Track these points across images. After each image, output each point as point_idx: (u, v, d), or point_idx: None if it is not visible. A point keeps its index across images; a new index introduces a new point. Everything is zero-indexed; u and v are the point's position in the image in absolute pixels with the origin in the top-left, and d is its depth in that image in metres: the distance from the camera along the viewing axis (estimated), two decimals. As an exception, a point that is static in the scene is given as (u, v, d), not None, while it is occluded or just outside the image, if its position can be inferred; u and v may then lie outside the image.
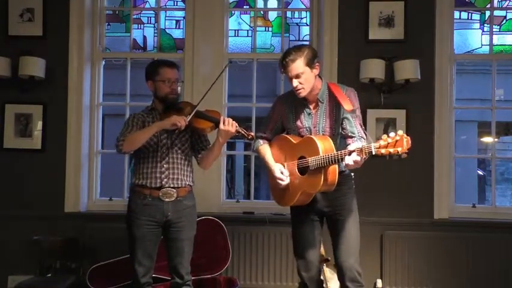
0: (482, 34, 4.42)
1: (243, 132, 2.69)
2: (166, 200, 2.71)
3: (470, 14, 4.82)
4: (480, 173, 8.84)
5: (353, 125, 2.53)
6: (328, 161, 2.35)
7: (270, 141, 2.77)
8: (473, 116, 7.81)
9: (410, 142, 2.13)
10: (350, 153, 2.27)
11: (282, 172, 2.58)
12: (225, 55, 4.16)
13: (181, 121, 2.63)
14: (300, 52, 2.48)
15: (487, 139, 8.27)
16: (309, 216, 2.66)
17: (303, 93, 2.53)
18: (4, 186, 4.01)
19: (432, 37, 3.93)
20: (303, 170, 2.51)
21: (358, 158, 2.24)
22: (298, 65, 2.47)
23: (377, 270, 3.83)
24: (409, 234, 3.84)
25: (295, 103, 2.64)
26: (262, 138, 2.77)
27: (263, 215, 3.93)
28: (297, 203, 2.57)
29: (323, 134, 2.56)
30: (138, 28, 4.84)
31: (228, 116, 2.74)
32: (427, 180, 3.89)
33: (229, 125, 2.65)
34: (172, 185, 2.72)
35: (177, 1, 4.68)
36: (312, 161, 2.42)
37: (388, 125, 3.86)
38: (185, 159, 2.80)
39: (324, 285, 3.22)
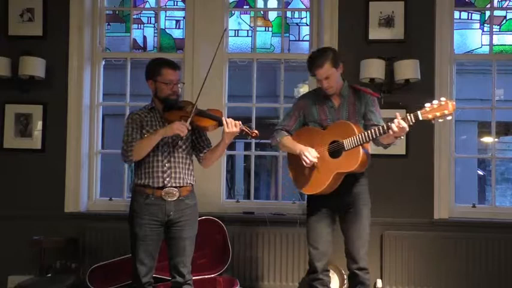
0: (482, 34, 4.42)
1: (246, 131, 2.72)
2: (169, 199, 2.71)
3: (470, 14, 4.82)
4: (480, 173, 8.84)
5: (377, 116, 2.79)
6: (371, 135, 2.57)
7: (290, 134, 2.94)
8: (473, 116, 7.80)
9: (455, 105, 2.39)
10: (388, 128, 2.49)
11: (311, 153, 2.73)
12: (225, 55, 4.16)
13: (184, 129, 2.63)
14: (325, 56, 2.76)
15: (487, 139, 8.27)
16: (324, 209, 2.86)
17: (332, 91, 2.81)
18: (4, 186, 4.01)
19: (432, 37, 3.93)
20: (335, 153, 2.70)
21: (405, 124, 2.45)
22: (327, 68, 2.73)
23: (377, 270, 3.82)
24: (409, 234, 3.84)
25: (318, 99, 2.89)
26: (284, 130, 2.95)
27: (263, 215, 3.93)
28: (328, 187, 2.72)
29: None
30: (138, 28, 4.84)
31: (228, 116, 2.75)
32: (427, 180, 3.88)
33: (233, 126, 2.68)
34: (174, 184, 2.72)
35: (177, 1, 4.68)
36: (348, 141, 2.63)
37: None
38: (186, 158, 2.80)
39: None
